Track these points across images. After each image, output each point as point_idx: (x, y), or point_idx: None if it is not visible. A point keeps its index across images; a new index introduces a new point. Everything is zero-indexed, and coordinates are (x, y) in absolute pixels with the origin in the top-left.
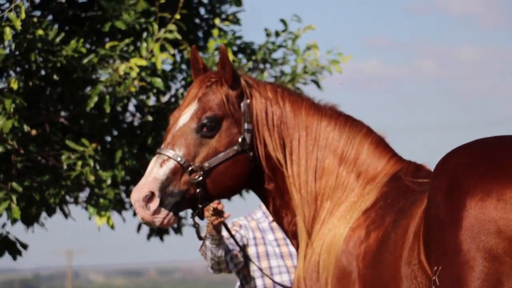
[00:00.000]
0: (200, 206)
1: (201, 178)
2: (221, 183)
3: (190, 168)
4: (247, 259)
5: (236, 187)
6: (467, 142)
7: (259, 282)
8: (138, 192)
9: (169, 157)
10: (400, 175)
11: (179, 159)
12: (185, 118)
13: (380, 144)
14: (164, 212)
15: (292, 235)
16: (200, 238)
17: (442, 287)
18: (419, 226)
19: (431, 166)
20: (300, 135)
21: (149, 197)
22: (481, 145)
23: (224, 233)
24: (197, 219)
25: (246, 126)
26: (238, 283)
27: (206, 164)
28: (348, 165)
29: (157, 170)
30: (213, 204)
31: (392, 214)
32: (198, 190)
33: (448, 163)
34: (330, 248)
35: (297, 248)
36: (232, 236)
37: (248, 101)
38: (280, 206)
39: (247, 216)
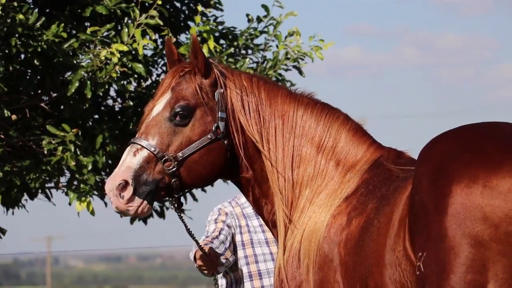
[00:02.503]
0: (175, 196)
1: (175, 168)
2: (196, 172)
3: (164, 158)
4: (235, 254)
5: (211, 176)
6: (452, 128)
7: (245, 270)
8: (112, 181)
9: (142, 147)
10: (381, 161)
11: (152, 148)
12: (158, 107)
13: (358, 131)
14: (138, 200)
15: (273, 225)
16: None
17: (427, 273)
18: (404, 213)
19: (412, 153)
20: (276, 123)
21: (123, 186)
22: (466, 132)
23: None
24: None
25: (220, 114)
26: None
27: (180, 154)
28: (327, 153)
29: (130, 159)
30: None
31: (374, 201)
32: (173, 180)
33: (434, 150)
34: (311, 235)
35: (277, 237)
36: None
37: (222, 90)
38: (259, 196)
39: (231, 201)
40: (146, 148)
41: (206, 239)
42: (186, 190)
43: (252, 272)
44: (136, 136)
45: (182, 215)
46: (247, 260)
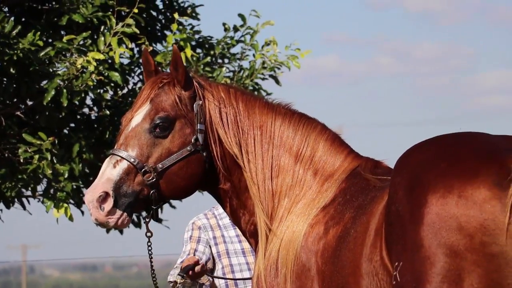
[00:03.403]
0: (154, 207)
1: (154, 179)
2: (175, 184)
3: (143, 169)
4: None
5: (190, 188)
6: (427, 138)
7: (222, 281)
8: (92, 193)
9: (122, 158)
10: (358, 171)
11: (132, 159)
12: (137, 119)
13: (336, 140)
14: (118, 212)
15: (250, 235)
16: (154, 280)
17: (403, 283)
18: (380, 223)
19: (389, 162)
20: (255, 134)
21: (103, 198)
22: (442, 141)
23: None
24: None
25: (198, 126)
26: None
27: (159, 165)
28: (305, 163)
29: (110, 171)
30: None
31: (351, 210)
32: (152, 191)
33: (409, 159)
34: (289, 244)
35: (255, 247)
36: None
37: (201, 102)
38: (237, 206)
39: (208, 212)
40: (126, 159)
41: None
42: (163, 202)
43: (229, 283)
44: (115, 147)
45: (148, 234)
46: (224, 270)
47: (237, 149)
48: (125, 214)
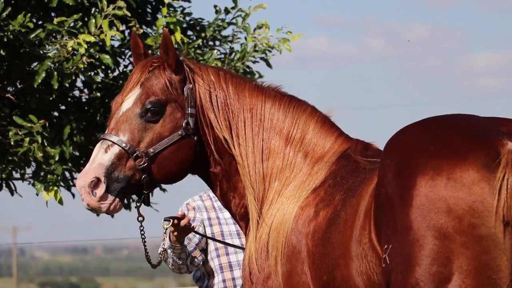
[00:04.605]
0: (145, 192)
1: (146, 164)
2: (166, 168)
3: (135, 154)
4: (207, 248)
5: (181, 172)
6: (417, 120)
7: (216, 262)
8: (84, 178)
9: (113, 143)
10: (348, 153)
11: (123, 144)
12: (128, 103)
13: (326, 123)
14: (110, 198)
15: (240, 217)
16: (153, 266)
17: (392, 265)
18: (370, 205)
19: (379, 144)
20: (245, 117)
21: (95, 183)
22: (431, 124)
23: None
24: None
25: (189, 110)
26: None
27: (151, 150)
28: (295, 145)
29: (102, 156)
30: (179, 215)
31: (342, 193)
32: (143, 176)
33: (398, 142)
34: (279, 227)
35: (245, 230)
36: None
37: (191, 85)
38: (227, 189)
39: (203, 193)
40: (118, 144)
41: None
42: (154, 187)
43: (223, 264)
44: (106, 132)
45: (140, 218)
46: (218, 252)
47: (227, 132)
48: (117, 199)
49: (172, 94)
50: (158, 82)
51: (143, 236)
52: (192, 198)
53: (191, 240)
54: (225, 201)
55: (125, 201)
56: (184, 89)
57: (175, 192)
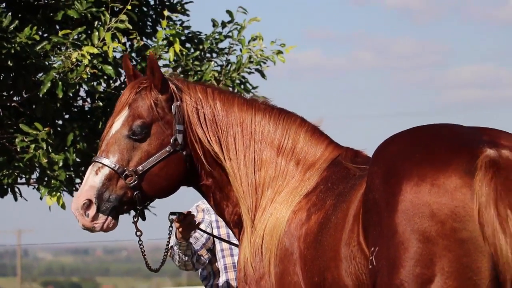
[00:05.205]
0: (139, 208)
1: (136, 182)
2: (157, 184)
3: (124, 173)
4: (214, 246)
5: (172, 187)
6: (404, 130)
7: (221, 262)
8: (76, 201)
9: (103, 165)
10: (339, 160)
11: (113, 165)
12: (117, 125)
13: (316, 132)
14: (102, 217)
15: (234, 225)
16: (150, 269)
17: (379, 267)
18: (358, 210)
19: (368, 152)
20: (235, 131)
21: (87, 205)
22: (416, 133)
23: (198, 220)
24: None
25: (177, 127)
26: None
27: (139, 168)
28: (286, 155)
29: (92, 178)
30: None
31: (332, 198)
32: (135, 193)
33: (386, 150)
34: (273, 230)
35: (238, 236)
36: (215, 236)
37: (179, 103)
38: (220, 199)
39: None
40: (107, 166)
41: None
42: (148, 202)
43: (227, 265)
44: (98, 154)
45: (138, 233)
46: (223, 253)
47: (217, 147)
48: (109, 218)
49: (158, 113)
50: (144, 103)
51: (142, 250)
52: (202, 200)
53: (198, 240)
54: (219, 210)
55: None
56: (172, 107)
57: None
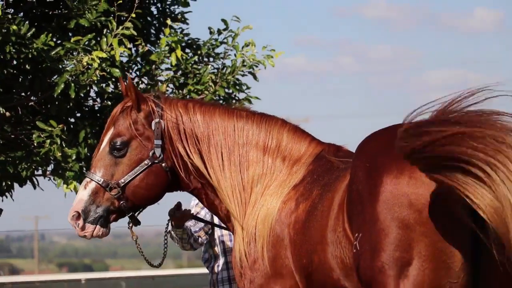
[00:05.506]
0: (128, 216)
1: (120, 193)
2: (139, 194)
3: (109, 186)
4: (212, 230)
5: (154, 195)
6: (383, 127)
7: (220, 247)
8: (69, 214)
9: (91, 179)
10: (323, 154)
11: (98, 179)
12: (104, 143)
13: (297, 130)
14: (90, 227)
15: (228, 220)
16: (151, 265)
17: (362, 251)
18: (343, 199)
19: (348, 147)
20: (217, 140)
21: (76, 217)
22: (395, 130)
23: (195, 209)
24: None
25: (155, 142)
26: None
27: (121, 180)
28: (272, 153)
29: (82, 192)
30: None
31: (318, 188)
32: (121, 203)
33: (368, 145)
34: (265, 219)
35: (232, 230)
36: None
37: (157, 120)
38: (213, 198)
39: None
40: (94, 180)
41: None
42: (140, 210)
43: (227, 249)
44: (89, 170)
45: (134, 237)
46: (222, 238)
47: (198, 159)
48: (97, 227)
49: (138, 130)
50: (124, 122)
51: (140, 251)
52: None
53: (197, 223)
54: (213, 209)
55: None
56: (152, 123)
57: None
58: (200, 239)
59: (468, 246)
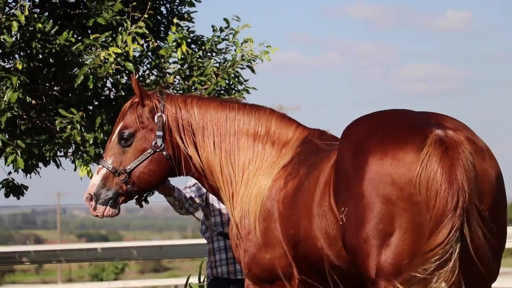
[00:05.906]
0: (135, 198)
1: (127, 178)
2: (143, 179)
3: (117, 172)
4: (207, 201)
5: (157, 180)
6: (367, 113)
7: (217, 219)
8: (84, 196)
9: (102, 166)
10: (309, 138)
11: (108, 166)
12: (115, 134)
13: (285, 117)
14: (101, 207)
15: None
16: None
17: (348, 223)
18: (329, 177)
19: (332, 132)
20: (210, 130)
21: (89, 199)
22: (378, 116)
23: (192, 181)
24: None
25: (157, 133)
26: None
27: (128, 167)
28: (262, 138)
29: (95, 177)
30: None
31: (305, 168)
32: (128, 187)
33: (354, 129)
34: (257, 196)
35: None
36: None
37: (160, 114)
38: (212, 181)
39: None
40: (105, 167)
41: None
42: (147, 194)
43: (224, 221)
44: (102, 157)
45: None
46: (214, 212)
47: (192, 149)
48: (107, 208)
49: (143, 123)
50: (131, 116)
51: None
52: None
53: (198, 190)
54: (213, 190)
55: None
56: (155, 117)
57: None
58: (195, 203)
59: None
